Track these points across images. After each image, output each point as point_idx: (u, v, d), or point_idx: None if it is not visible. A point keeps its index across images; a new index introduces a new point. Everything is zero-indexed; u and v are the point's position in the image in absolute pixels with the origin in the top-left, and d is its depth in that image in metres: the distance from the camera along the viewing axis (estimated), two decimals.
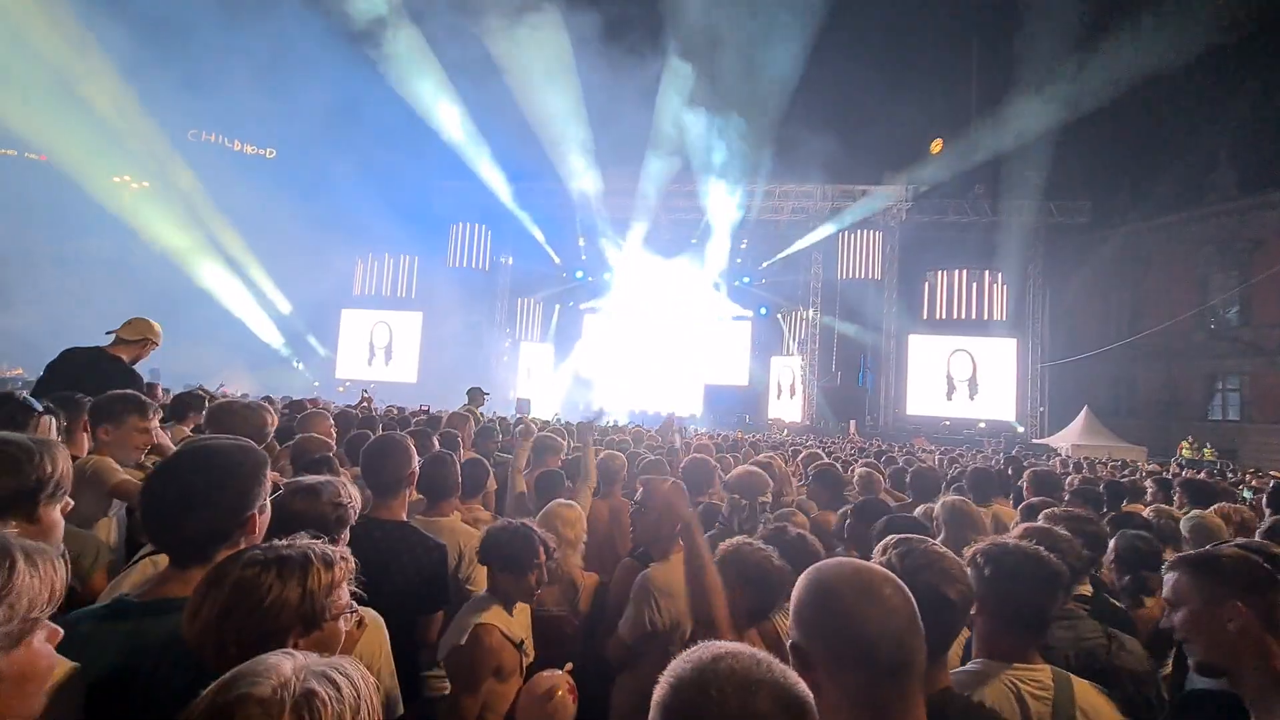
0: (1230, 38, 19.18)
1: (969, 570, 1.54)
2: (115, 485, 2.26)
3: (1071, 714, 1.43)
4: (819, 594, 1.07)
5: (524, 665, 2.03)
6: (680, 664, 0.83)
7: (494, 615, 2.02)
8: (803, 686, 0.80)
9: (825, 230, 23.10)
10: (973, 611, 1.53)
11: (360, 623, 1.39)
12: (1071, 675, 1.50)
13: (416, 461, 2.39)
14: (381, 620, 1.60)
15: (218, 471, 1.31)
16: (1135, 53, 18.21)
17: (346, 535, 1.68)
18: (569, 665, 1.93)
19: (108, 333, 3.69)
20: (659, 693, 0.82)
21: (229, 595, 1.03)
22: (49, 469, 1.23)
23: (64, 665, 1.03)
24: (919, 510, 3.05)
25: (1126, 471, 10.70)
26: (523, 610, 2.17)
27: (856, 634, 1.02)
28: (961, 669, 1.56)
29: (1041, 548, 1.63)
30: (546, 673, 1.98)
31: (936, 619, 1.30)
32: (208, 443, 1.44)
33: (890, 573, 1.12)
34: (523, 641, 2.07)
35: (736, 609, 1.71)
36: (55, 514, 1.28)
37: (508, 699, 1.96)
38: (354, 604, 1.26)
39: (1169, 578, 1.58)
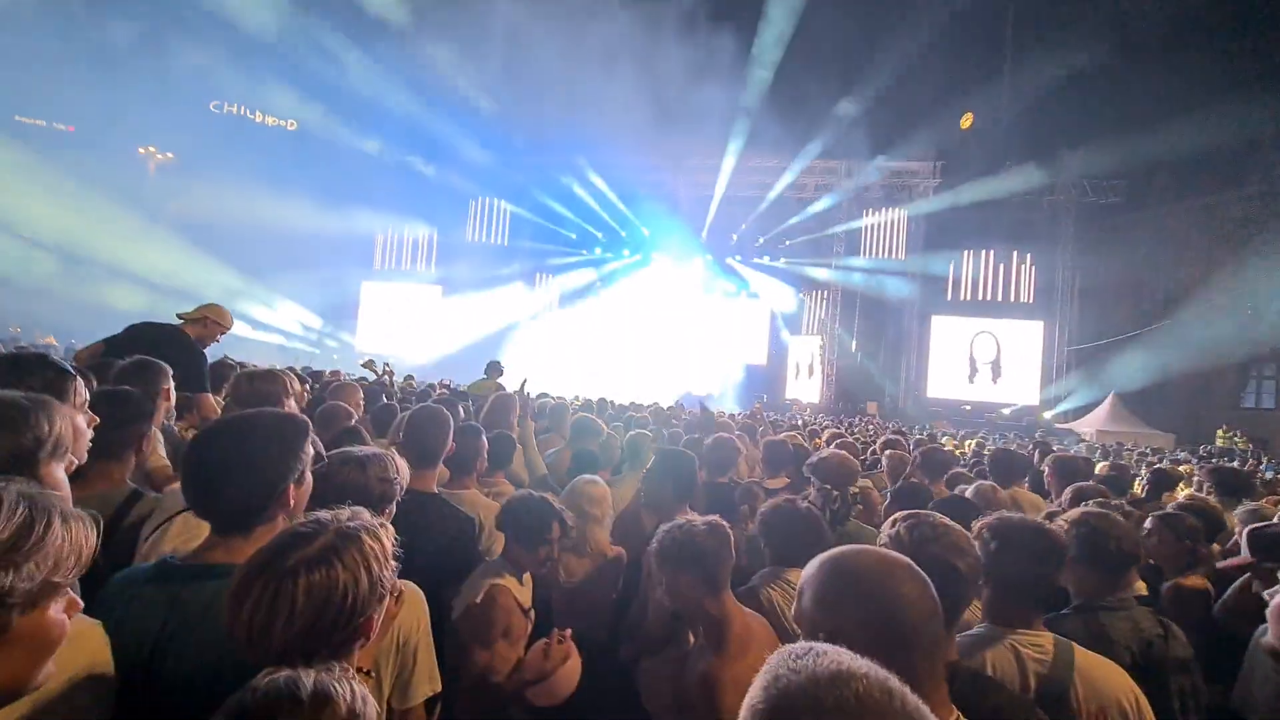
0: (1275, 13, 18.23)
1: (976, 543, 1.59)
2: (153, 470, 2.23)
3: (1067, 676, 1.48)
4: (849, 580, 1.06)
5: (529, 633, 2.05)
6: (788, 674, 0.68)
7: (508, 580, 2.04)
8: None
9: (850, 206, 22.66)
10: (980, 582, 1.59)
11: (399, 597, 1.37)
12: (1075, 645, 1.54)
13: (452, 436, 2.39)
14: (421, 594, 1.59)
15: (254, 442, 1.29)
16: (1176, 29, 17.42)
17: (392, 510, 1.66)
18: (568, 630, 1.95)
19: (178, 315, 3.70)
20: (757, 702, 0.68)
21: (305, 606, 0.95)
22: (46, 427, 1.19)
23: (91, 641, 1.02)
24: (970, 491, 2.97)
25: (1152, 459, 10.50)
26: (529, 581, 2.17)
27: (895, 616, 1.01)
28: (967, 633, 1.64)
29: (1048, 524, 1.69)
30: (551, 637, 1.99)
31: (945, 590, 1.34)
32: (247, 414, 1.42)
33: (903, 556, 1.13)
34: (530, 609, 2.09)
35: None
36: (59, 473, 1.24)
37: (510, 662, 1.97)
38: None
39: None
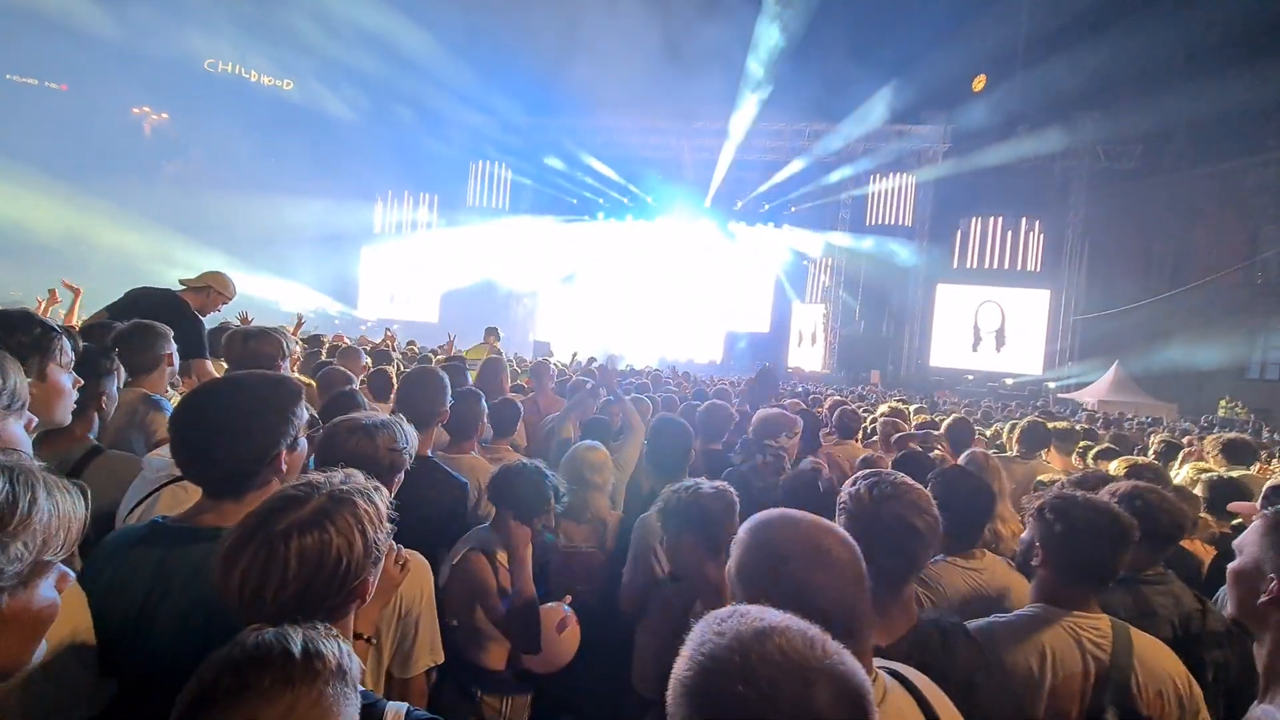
0: None
1: (1032, 521, 1.61)
2: (162, 439, 2.22)
3: (1129, 663, 1.46)
4: (769, 557, 1.03)
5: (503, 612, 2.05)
6: (713, 638, 0.68)
7: (485, 555, 2.01)
8: (863, 674, 0.68)
9: (856, 171, 22.23)
10: (1035, 562, 1.60)
11: (404, 566, 1.36)
12: (1131, 628, 1.52)
13: (449, 400, 2.35)
14: (426, 565, 1.57)
15: (244, 404, 1.25)
16: None
17: (399, 479, 1.64)
18: (568, 597, 1.96)
19: (180, 281, 3.64)
20: (684, 671, 0.68)
21: (298, 570, 0.93)
22: (1, 382, 1.13)
23: (71, 606, 1.00)
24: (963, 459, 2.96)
25: (1154, 428, 10.50)
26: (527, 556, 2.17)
27: (809, 603, 0.93)
28: (1019, 613, 1.60)
29: (1118, 505, 1.63)
30: (552, 604, 1.99)
31: (902, 547, 1.39)
32: (237, 375, 1.39)
33: (836, 526, 1.09)
34: (506, 591, 2.07)
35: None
36: (15, 429, 1.18)
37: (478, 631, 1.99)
38: (399, 545, 1.23)
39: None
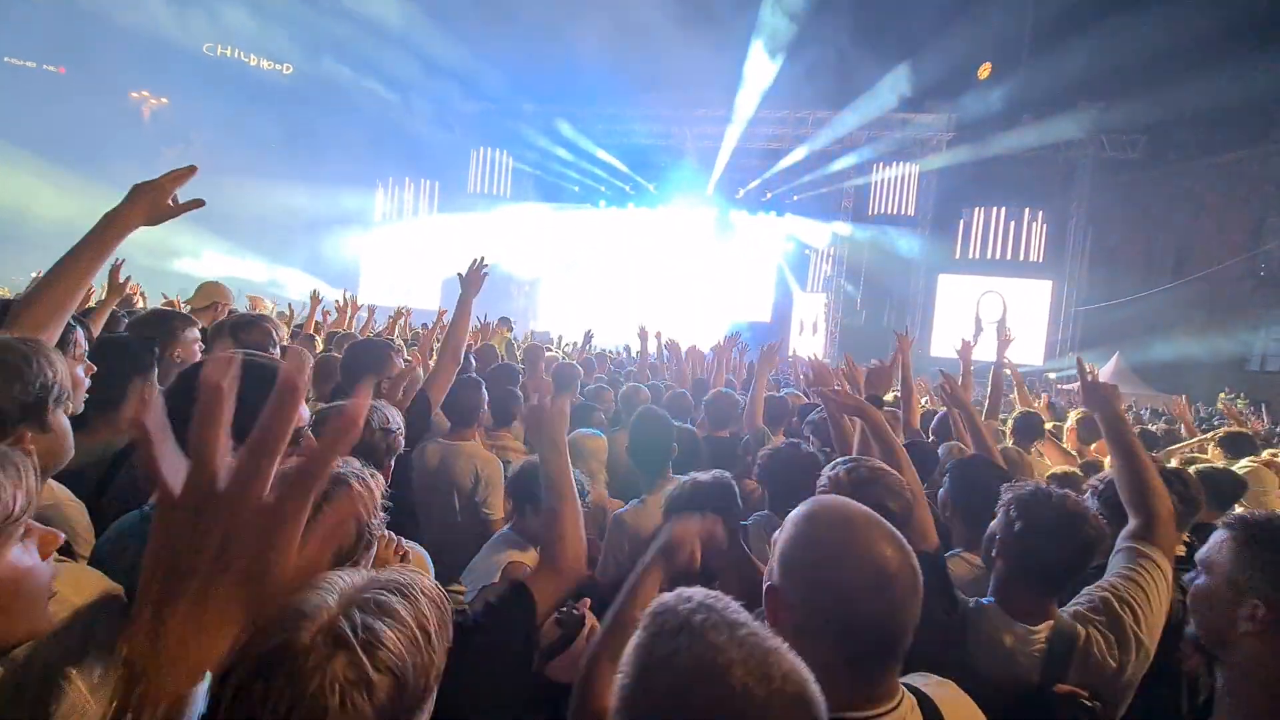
0: None
1: (999, 514, 1.58)
2: None
3: (1062, 676, 1.40)
4: (815, 561, 0.96)
5: None
6: (644, 631, 0.72)
7: (526, 555, 2.02)
8: (803, 674, 0.69)
9: (860, 160, 22.08)
10: (993, 553, 1.56)
11: (404, 557, 1.37)
12: (1078, 628, 1.44)
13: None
14: (427, 558, 1.58)
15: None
16: None
17: (391, 464, 1.64)
18: (587, 600, 1.93)
19: (186, 303, 3.67)
20: (632, 676, 0.70)
21: None
22: (51, 374, 1.15)
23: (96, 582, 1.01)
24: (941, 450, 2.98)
25: (1163, 422, 10.51)
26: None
27: (848, 618, 0.91)
28: (978, 603, 1.54)
29: (1086, 506, 1.57)
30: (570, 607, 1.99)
31: None
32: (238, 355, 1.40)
33: (896, 532, 1.00)
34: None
35: None
36: (64, 420, 1.21)
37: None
38: (398, 536, 1.24)
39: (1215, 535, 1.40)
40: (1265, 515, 1.25)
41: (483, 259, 2.89)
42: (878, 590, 0.91)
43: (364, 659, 0.61)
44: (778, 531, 1.06)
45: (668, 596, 0.77)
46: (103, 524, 1.30)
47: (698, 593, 0.76)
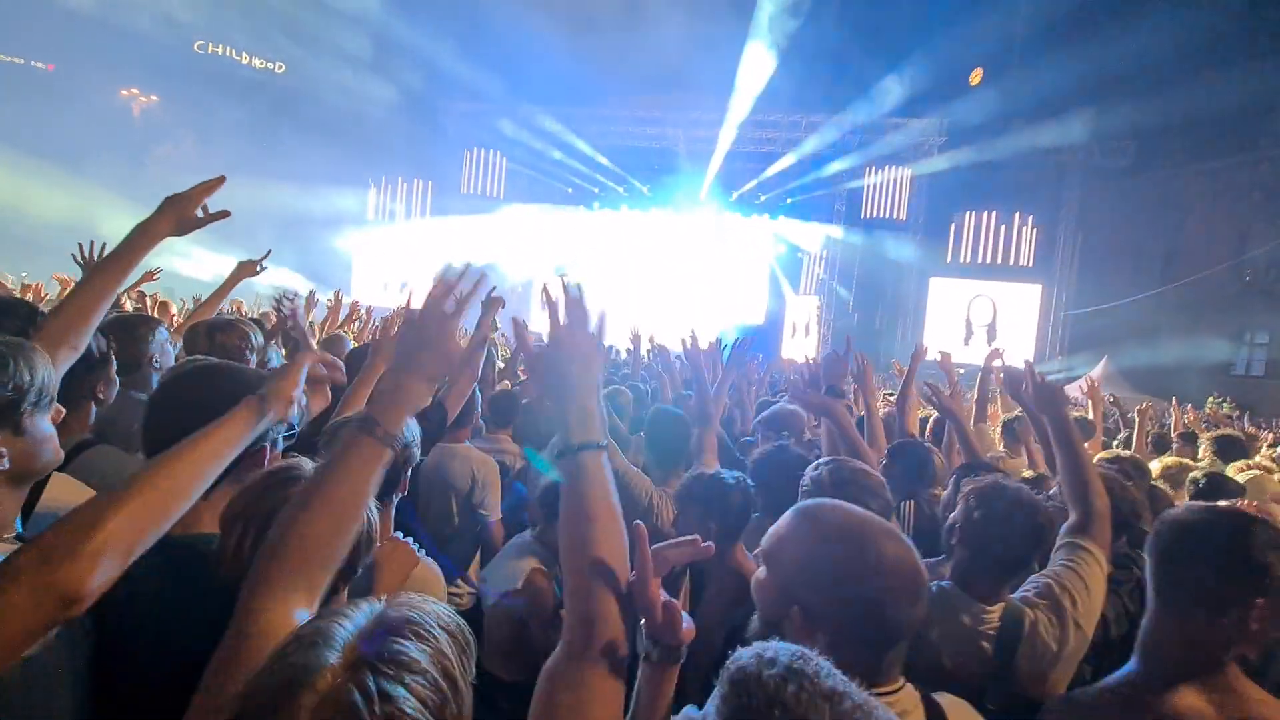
0: None
1: (960, 503, 1.71)
2: None
3: (1014, 650, 1.51)
4: (839, 578, 1.02)
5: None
6: (747, 684, 0.66)
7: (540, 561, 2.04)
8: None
9: (852, 164, 22.21)
10: (953, 541, 1.69)
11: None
12: (1026, 611, 1.56)
13: None
14: (440, 577, 1.56)
15: (211, 395, 1.19)
16: None
17: (408, 479, 1.63)
18: None
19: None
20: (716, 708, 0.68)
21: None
22: (29, 376, 1.10)
23: None
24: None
25: (1154, 427, 10.61)
26: None
27: (880, 621, 0.99)
28: (938, 585, 1.65)
29: (1039, 499, 1.72)
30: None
31: None
32: (211, 364, 1.39)
33: (894, 527, 1.12)
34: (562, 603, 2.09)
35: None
36: (45, 425, 1.15)
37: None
38: (418, 546, 1.23)
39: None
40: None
41: (494, 288, 2.92)
42: (903, 591, 1.01)
43: None
44: (769, 538, 1.12)
45: (746, 659, 0.69)
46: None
47: (781, 653, 0.68)
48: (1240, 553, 1.17)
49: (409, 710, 0.52)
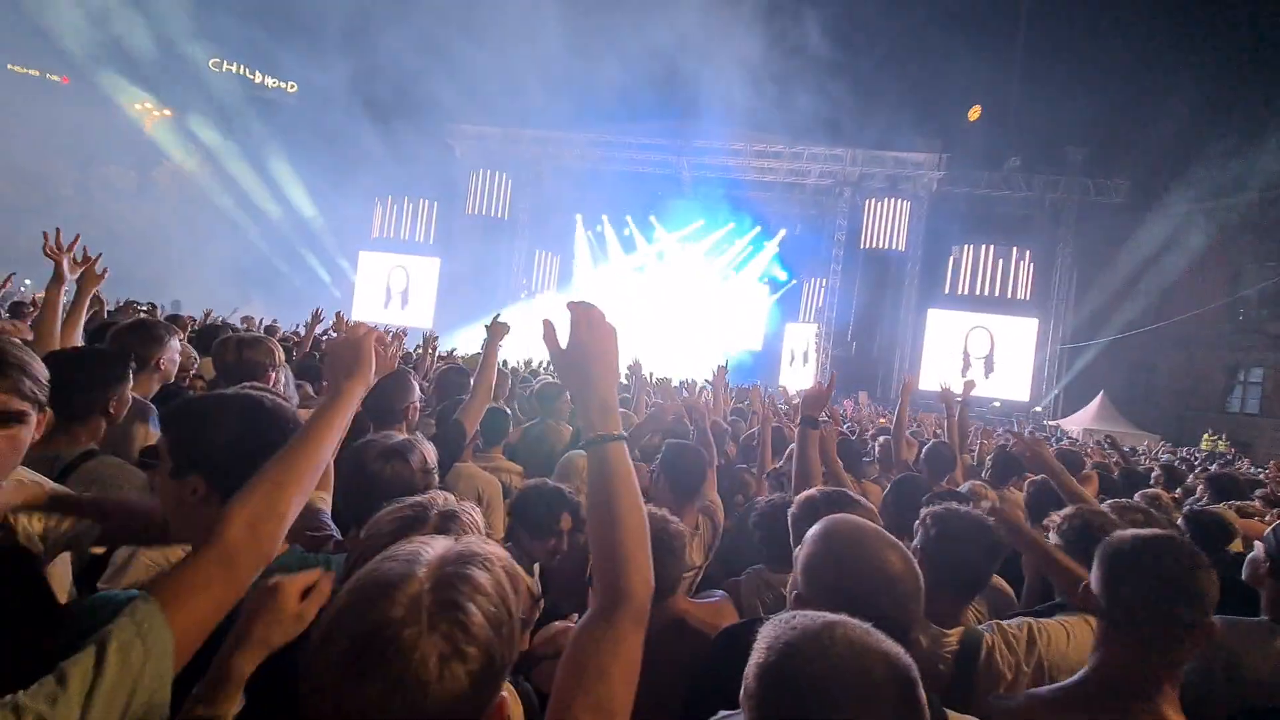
0: None
1: (918, 528, 1.79)
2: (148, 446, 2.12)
3: (973, 669, 1.56)
4: (837, 573, 1.17)
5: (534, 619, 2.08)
6: (784, 630, 0.82)
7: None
8: (908, 658, 0.80)
9: (852, 196, 22.55)
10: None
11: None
12: (985, 637, 1.60)
13: (417, 397, 2.37)
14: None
15: (228, 427, 1.16)
16: (1187, 31, 17.32)
17: None
18: (574, 616, 1.97)
19: None
20: (763, 658, 0.81)
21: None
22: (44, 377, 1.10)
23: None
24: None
25: (1138, 457, 10.66)
26: (537, 571, 2.17)
27: (865, 602, 1.07)
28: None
29: (988, 519, 1.81)
30: (560, 624, 2.02)
31: None
32: (224, 394, 1.32)
33: (898, 542, 1.23)
34: (540, 599, 2.11)
35: None
36: (20, 434, 1.12)
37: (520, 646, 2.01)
38: None
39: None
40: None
41: (498, 314, 3.04)
42: (887, 592, 1.13)
43: (457, 631, 0.64)
44: (797, 549, 1.27)
45: (777, 622, 0.86)
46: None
47: (796, 616, 0.86)
48: (1173, 577, 1.24)
49: (476, 616, 0.66)
